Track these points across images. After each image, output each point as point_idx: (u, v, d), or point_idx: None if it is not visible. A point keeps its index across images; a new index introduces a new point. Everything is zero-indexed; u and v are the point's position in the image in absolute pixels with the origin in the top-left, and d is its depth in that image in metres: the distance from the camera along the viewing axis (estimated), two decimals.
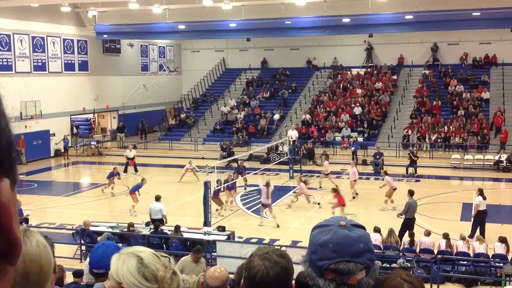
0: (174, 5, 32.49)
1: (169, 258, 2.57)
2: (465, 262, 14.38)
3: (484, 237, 15.37)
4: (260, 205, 20.04)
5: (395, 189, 20.79)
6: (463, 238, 14.76)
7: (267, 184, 19.20)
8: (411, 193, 17.41)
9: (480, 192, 17.34)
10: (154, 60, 45.11)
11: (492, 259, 14.15)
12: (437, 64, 40.67)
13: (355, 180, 22.95)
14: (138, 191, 20.73)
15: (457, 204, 21.98)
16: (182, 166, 27.14)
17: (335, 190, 19.49)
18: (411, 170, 27.72)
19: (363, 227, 1.67)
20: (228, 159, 28.22)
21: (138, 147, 35.07)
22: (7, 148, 0.86)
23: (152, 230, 16.12)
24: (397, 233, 15.63)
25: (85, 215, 18.54)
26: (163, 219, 17.29)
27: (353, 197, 22.59)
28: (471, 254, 14.33)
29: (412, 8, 29.82)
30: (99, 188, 25.84)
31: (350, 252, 1.58)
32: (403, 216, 16.91)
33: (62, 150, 34.24)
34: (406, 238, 15.28)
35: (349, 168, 23.67)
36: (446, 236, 14.77)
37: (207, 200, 18.22)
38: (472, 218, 17.54)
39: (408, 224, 16.56)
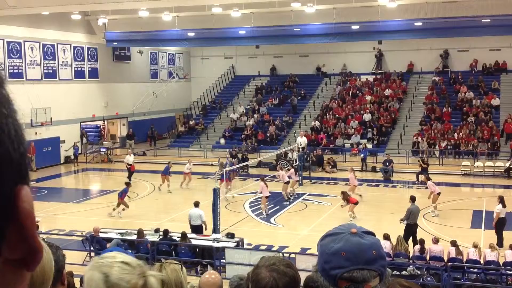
0: (184, 12, 32.63)
1: (181, 266, 2.56)
2: (476, 270, 14.27)
3: (502, 246, 15.34)
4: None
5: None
6: (475, 246, 14.64)
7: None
8: (412, 199, 17.48)
9: (501, 200, 17.19)
10: (164, 67, 45.29)
11: (503, 267, 14.03)
12: (447, 70, 40.55)
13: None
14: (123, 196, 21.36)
15: (467, 211, 21.84)
16: (192, 173, 27.17)
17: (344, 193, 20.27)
18: (422, 177, 27.52)
19: (373, 234, 1.66)
20: (241, 164, 28.35)
21: (147, 154, 35.21)
22: (24, 155, 0.87)
23: (161, 237, 16.13)
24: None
25: (95, 221, 18.59)
26: (203, 225, 17.30)
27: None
28: (482, 262, 14.21)
29: (421, 15, 29.76)
30: (109, 195, 25.92)
31: (363, 259, 1.57)
32: (405, 222, 16.93)
33: (72, 157, 34.40)
34: (416, 246, 15.19)
35: None
36: (454, 243, 14.66)
37: (216, 207, 18.21)
38: (494, 227, 17.38)
39: (410, 230, 16.63)
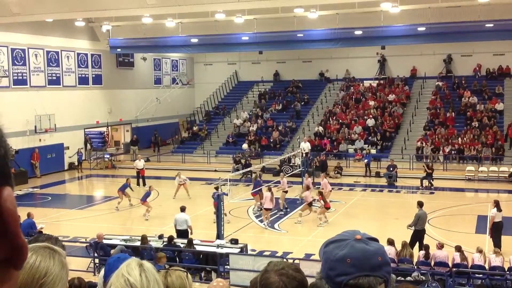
0: (187, 19, 32.72)
1: (187, 273, 2.56)
2: (481, 275, 14.21)
3: (500, 249, 15.21)
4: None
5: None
6: (480, 251, 14.59)
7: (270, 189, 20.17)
8: (420, 204, 17.35)
9: (496, 204, 17.15)
10: (167, 74, 45.39)
11: (508, 272, 13.97)
12: (451, 75, 40.52)
13: None
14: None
15: (472, 216, 21.79)
16: (195, 179, 27.20)
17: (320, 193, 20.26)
18: (426, 182, 27.50)
19: (377, 240, 1.66)
20: (243, 170, 28.37)
21: (151, 160, 35.20)
22: (5, 157, 0.87)
23: (165, 243, 16.13)
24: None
25: (99, 228, 18.61)
26: (188, 229, 17.32)
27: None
28: (487, 267, 14.16)
29: (424, 20, 29.78)
30: (113, 201, 25.94)
31: (369, 266, 1.57)
32: (413, 228, 16.85)
33: (76, 163, 34.46)
34: (421, 251, 15.12)
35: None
36: (459, 249, 14.60)
37: (220, 213, 18.21)
38: (489, 231, 17.37)
39: (418, 236, 16.53)
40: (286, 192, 23.53)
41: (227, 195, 20.27)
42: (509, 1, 28.13)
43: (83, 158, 34.85)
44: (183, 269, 2.20)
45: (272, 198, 20.43)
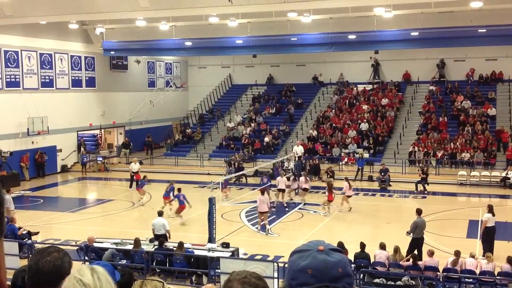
0: (181, 22, 32.71)
1: (163, 283, 2.57)
2: (471, 280, 14.25)
3: (492, 254, 15.27)
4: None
5: None
6: (472, 256, 14.59)
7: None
8: (419, 212, 17.03)
9: (490, 209, 17.12)
10: (161, 76, 45.37)
11: (498, 277, 14.02)
12: (443, 80, 40.66)
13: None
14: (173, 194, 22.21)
15: (464, 221, 21.86)
16: (188, 182, 27.15)
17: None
18: (420, 187, 27.55)
19: (340, 251, 1.69)
20: (237, 174, 28.33)
21: (144, 163, 35.13)
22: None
23: (156, 246, 16.10)
24: (404, 252, 15.49)
25: (91, 231, 18.55)
26: (167, 234, 17.32)
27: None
28: (477, 272, 14.20)
29: (417, 25, 29.86)
30: (105, 204, 25.88)
31: (329, 277, 1.60)
32: (412, 235, 16.71)
33: (81, 166, 34.49)
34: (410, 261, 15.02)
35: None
36: (457, 253, 14.50)
37: (211, 216, 18.20)
38: (480, 236, 17.34)
39: (416, 244, 16.29)
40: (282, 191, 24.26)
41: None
42: (502, 7, 28.25)
43: (79, 160, 34.87)
44: (159, 280, 2.22)
45: (267, 201, 20.48)
